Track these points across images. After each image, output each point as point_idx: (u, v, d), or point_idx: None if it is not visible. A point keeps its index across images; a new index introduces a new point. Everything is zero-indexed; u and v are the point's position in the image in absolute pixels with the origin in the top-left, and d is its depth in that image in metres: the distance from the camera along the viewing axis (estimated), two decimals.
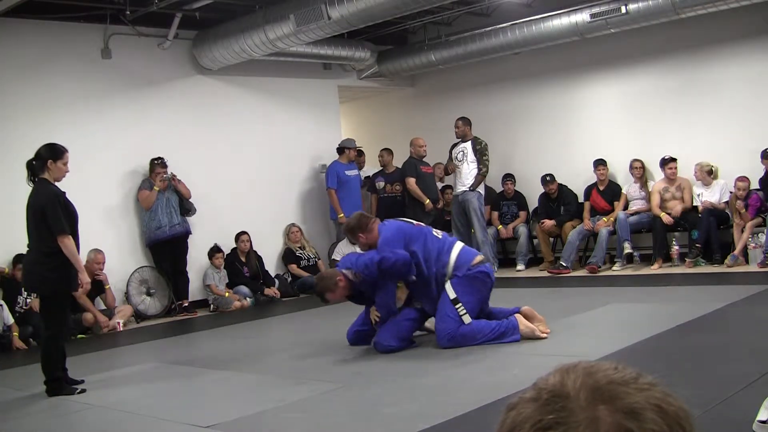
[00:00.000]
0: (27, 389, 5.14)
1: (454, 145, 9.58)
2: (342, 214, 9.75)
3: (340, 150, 10.01)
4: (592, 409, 0.72)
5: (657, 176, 9.09)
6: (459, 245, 5.43)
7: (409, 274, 5.19)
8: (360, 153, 10.77)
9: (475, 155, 9.30)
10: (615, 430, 0.71)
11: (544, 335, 5.19)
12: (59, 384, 4.90)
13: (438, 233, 5.49)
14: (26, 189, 5.08)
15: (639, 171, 9.05)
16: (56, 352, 4.96)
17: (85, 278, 5.02)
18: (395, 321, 5.32)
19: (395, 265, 5.09)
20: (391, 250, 5.13)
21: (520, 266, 9.64)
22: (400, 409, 3.85)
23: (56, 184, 4.99)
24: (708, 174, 8.57)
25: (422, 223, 5.68)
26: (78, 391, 4.91)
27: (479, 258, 5.40)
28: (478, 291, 5.27)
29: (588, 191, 9.43)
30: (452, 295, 5.17)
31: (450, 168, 9.72)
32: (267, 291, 9.15)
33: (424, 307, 5.42)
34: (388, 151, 10.27)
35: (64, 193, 5.00)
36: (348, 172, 9.95)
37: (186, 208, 8.80)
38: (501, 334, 5.15)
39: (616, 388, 0.74)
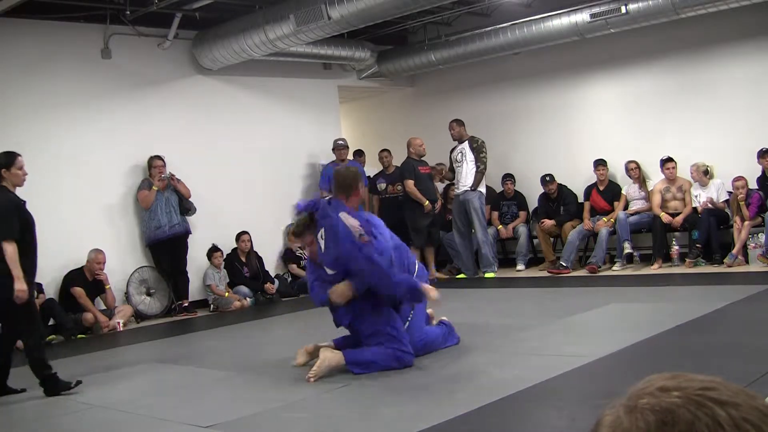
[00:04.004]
0: (26, 389, 5.14)
1: (453, 149, 9.59)
2: None
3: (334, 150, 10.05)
4: None
5: (656, 176, 9.09)
6: None
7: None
8: (360, 153, 10.77)
9: (473, 153, 9.31)
10: None
11: None
12: (54, 381, 4.91)
13: None
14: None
15: (635, 172, 9.04)
16: (40, 351, 4.99)
17: (20, 286, 4.78)
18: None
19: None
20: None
21: (520, 266, 9.64)
22: (400, 409, 3.86)
23: (17, 190, 4.96)
24: (704, 174, 8.57)
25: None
26: (74, 384, 4.91)
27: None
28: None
29: (588, 191, 9.43)
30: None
31: (447, 174, 9.76)
32: (267, 286, 9.16)
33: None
34: (388, 151, 10.29)
35: (24, 202, 4.98)
36: None
37: (186, 207, 8.79)
38: (446, 336, 5.19)
39: None
